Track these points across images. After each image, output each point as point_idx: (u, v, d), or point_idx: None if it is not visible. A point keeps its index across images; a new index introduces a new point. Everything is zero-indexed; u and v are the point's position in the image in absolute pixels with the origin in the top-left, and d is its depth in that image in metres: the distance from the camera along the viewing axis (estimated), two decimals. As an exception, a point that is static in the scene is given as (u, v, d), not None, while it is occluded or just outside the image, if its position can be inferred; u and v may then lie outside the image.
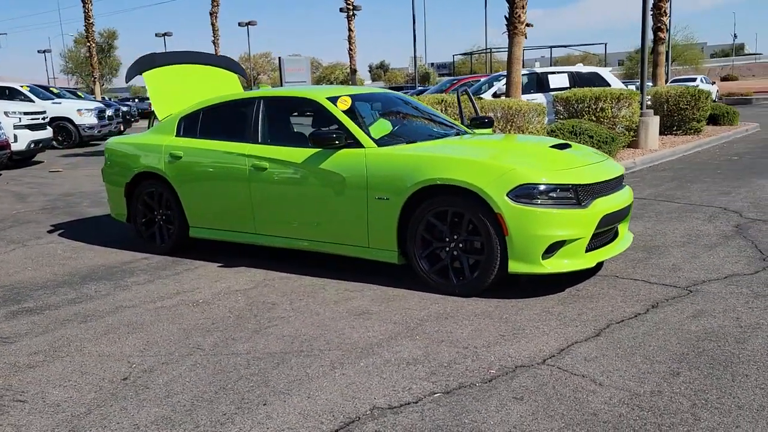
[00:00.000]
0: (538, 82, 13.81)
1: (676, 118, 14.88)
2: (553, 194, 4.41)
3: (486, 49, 30.66)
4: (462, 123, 6.35)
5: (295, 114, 6.01)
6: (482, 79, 16.17)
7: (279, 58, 20.21)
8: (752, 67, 79.12)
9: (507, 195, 4.38)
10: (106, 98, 33.59)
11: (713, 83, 37.21)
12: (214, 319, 4.38)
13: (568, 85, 13.75)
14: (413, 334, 3.96)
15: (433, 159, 4.71)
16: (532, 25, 11.20)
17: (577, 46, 35.99)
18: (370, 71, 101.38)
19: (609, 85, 13.85)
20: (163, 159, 6.02)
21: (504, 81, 13.46)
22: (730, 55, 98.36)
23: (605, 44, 30.69)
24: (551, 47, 30.47)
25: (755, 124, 18.25)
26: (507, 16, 11.25)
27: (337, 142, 5.00)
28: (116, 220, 6.80)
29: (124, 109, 25.09)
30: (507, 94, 11.57)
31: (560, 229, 4.38)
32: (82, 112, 19.22)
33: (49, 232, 7.53)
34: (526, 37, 11.21)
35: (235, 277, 5.36)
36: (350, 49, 31.04)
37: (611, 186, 4.82)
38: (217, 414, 3.07)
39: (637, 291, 4.58)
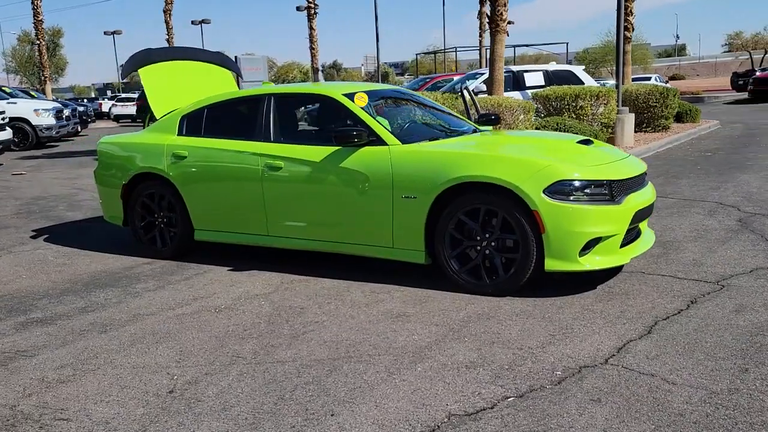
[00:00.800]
0: (515, 81, 13.84)
1: (645, 116, 15.14)
2: (588, 190, 4.36)
3: (453, 48, 30.82)
4: (470, 120, 6.26)
5: (307, 111, 5.82)
6: (455, 78, 16.16)
7: (236, 57, 19.84)
8: (696, 66, 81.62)
9: (543, 192, 4.30)
10: (56, 98, 32.50)
11: (666, 82, 38.16)
12: (244, 325, 4.19)
13: (543, 84, 13.83)
14: (460, 336, 3.85)
15: (465, 156, 4.60)
16: (513, 23, 11.21)
17: (539, 45, 36.52)
18: (322, 71, 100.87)
19: (583, 83, 13.99)
20: (166, 159, 5.76)
21: (481, 78, 13.48)
22: (672, 55, 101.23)
23: (566, 44, 31.24)
24: (514, 47, 30.72)
25: (716, 121, 18.71)
26: (489, 14, 11.26)
27: (360, 139, 4.85)
28: (111, 223, 6.49)
29: (81, 109, 24.26)
30: (489, 91, 11.56)
31: (597, 226, 4.32)
32: (39, 113, 18.50)
33: (33, 237, 7.16)
34: (507, 35, 11.22)
35: (251, 281, 5.15)
36: (312, 48, 30.71)
37: (638, 182, 4.79)
38: (285, 427, 2.90)
39: (669, 287, 4.56)
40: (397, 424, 2.87)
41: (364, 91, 5.36)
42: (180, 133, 5.86)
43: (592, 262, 4.38)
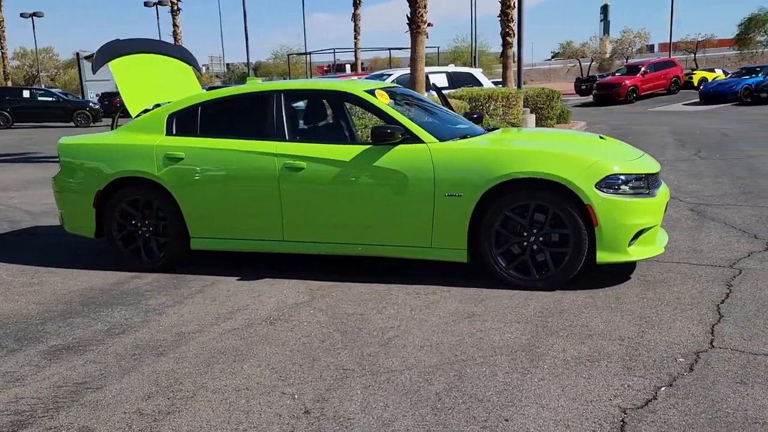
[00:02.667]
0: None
1: (537, 116, 16.02)
2: (632, 184, 4.53)
3: (330, 49, 30.61)
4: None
5: (327, 108, 5.55)
6: (356, 78, 16.12)
7: (77, 53, 18.42)
8: (530, 72, 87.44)
9: (595, 186, 4.41)
10: None
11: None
12: (316, 336, 3.92)
13: (447, 85, 14.19)
14: (550, 331, 3.85)
15: (514, 153, 4.62)
16: (432, 25, 11.39)
17: (403, 48, 37.41)
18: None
19: (482, 85, 14.53)
20: (156, 161, 5.23)
21: (389, 80, 13.59)
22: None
23: (437, 48, 32.25)
24: (390, 49, 31.16)
25: (583, 122, 20.21)
26: (409, 15, 11.33)
27: (397, 138, 4.71)
28: (75, 235, 5.79)
29: None
30: (411, 92, 11.66)
31: (642, 218, 4.51)
32: None
33: (-39, 255, 6.21)
34: (427, 37, 11.38)
35: (275, 290, 4.82)
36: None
37: (659, 178, 5.06)
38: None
39: (694, 273, 4.86)
40: (579, 422, 2.82)
41: (382, 89, 5.21)
42: (170, 133, 5.35)
43: (638, 252, 4.56)
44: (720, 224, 6.33)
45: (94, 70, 5.81)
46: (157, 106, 5.71)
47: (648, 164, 4.79)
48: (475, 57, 36.58)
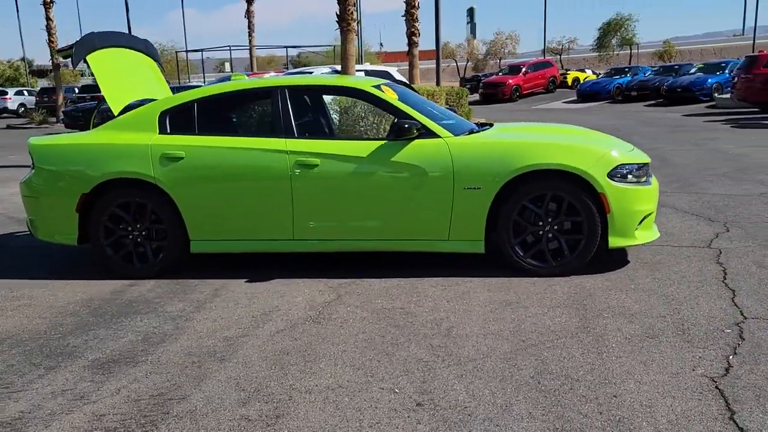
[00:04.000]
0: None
1: (446, 114, 16.48)
2: (636, 173, 4.85)
3: (226, 46, 29.46)
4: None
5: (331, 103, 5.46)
6: (268, 76, 15.82)
7: None
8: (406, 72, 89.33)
9: (607, 176, 4.69)
10: None
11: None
12: (370, 332, 3.90)
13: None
14: (594, 313, 4.05)
15: (531, 145, 4.79)
16: (360, 22, 11.44)
17: (308, 47, 37.20)
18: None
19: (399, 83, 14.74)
20: (152, 161, 4.97)
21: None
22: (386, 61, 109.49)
23: (333, 46, 32.09)
24: (287, 47, 30.67)
25: (482, 119, 20.97)
26: (338, 13, 11.33)
27: (414, 133, 4.77)
28: (48, 243, 5.37)
29: None
30: (342, 90, 11.67)
31: (646, 204, 4.85)
32: None
33: None
34: (357, 35, 11.42)
35: (297, 290, 4.74)
36: (51, 42, 27.25)
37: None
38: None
39: (680, 254, 5.25)
40: (680, 393, 3.03)
41: (384, 85, 5.25)
42: (164, 132, 5.09)
43: (642, 236, 4.89)
44: (672, 210, 6.86)
45: (74, 65, 5.40)
46: (142, 102, 5.40)
47: (642, 155, 5.14)
48: (361, 56, 36.95)
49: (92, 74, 5.77)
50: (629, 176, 4.77)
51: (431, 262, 5.15)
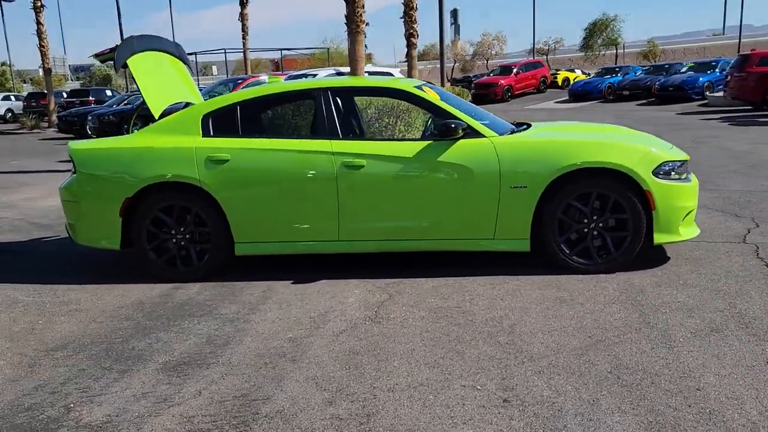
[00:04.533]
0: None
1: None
2: (677, 170, 4.92)
3: (221, 49, 29.31)
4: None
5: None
6: (264, 78, 15.83)
7: None
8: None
9: (652, 173, 4.75)
10: None
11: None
12: (437, 330, 3.93)
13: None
14: (651, 308, 4.11)
15: (576, 144, 4.84)
16: (368, 24, 11.47)
17: (301, 49, 37.23)
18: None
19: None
20: (198, 164, 4.97)
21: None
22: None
23: (327, 49, 32.19)
24: (281, 49, 30.61)
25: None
26: (347, 15, 11.35)
27: (459, 133, 4.81)
28: (93, 247, 5.36)
29: None
30: (351, 92, 11.68)
31: (688, 201, 4.92)
32: None
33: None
34: (365, 36, 11.45)
35: (346, 291, 4.75)
36: (42, 46, 27.01)
37: None
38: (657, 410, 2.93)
39: (717, 249, 5.32)
40: (763, 385, 3.09)
41: (427, 85, 5.28)
42: (207, 134, 5.09)
43: (685, 233, 4.96)
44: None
45: (117, 68, 5.38)
46: (179, 105, 5.39)
47: (682, 152, 5.21)
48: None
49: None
50: (672, 173, 4.84)
51: (470, 261, 5.18)
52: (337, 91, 5.14)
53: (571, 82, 34.41)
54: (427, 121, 5.67)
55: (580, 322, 3.93)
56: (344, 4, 11.30)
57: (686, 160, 5.03)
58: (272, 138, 5.03)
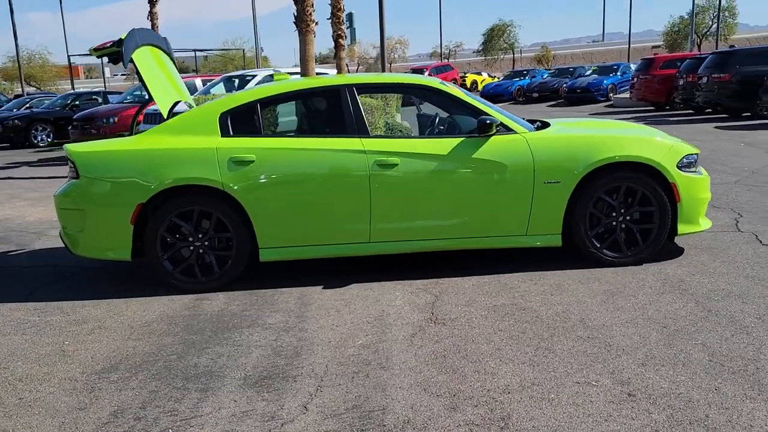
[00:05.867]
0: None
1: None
2: (695, 163, 5.11)
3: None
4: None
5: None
6: (217, 79, 15.27)
7: None
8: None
9: (676, 166, 4.91)
10: None
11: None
12: (510, 328, 3.87)
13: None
14: (704, 296, 4.22)
15: (607, 139, 4.91)
16: (317, 23, 11.24)
17: (216, 50, 35.78)
18: None
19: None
20: (219, 166, 4.67)
21: (254, 81, 13.20)
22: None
23: (242, 49, 31.22)
24: (195, 51, 29.40)
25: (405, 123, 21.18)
26: (296, 14, 11.07)
27: (493, 130, 4.78)
28: (98, 259, 4.93)
29: None
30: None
31: (706, 192, 5.11)
32: None
33: None
34: (315, 36, 11.21)
35: (387, 293, 4.61)
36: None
37: None
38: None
39: (730, 239, 5.52)
40: None
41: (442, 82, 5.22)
42: (226, 134, 4.79)
43: (704, 223, 5.14)
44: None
45: (125, 64, 4.94)
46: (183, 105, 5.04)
47: (693, 146, 5.40)
48: (258, 60, 36.45)
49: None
50: (691, 166, 5.01)
51: (493, 258, 5.16)
52: (363, 87, 4.97)
53: (479, 84, 35.36)
54: (434, 120, 5.58)
55: (645, 313, 3.97)
56: (293, 4, 11.02)
57: (698, 154, 5.22)
58: (296, 137, 4.80)
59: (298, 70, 14.12)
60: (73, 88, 39.01)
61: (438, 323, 3.99)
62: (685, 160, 4.94)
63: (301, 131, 4.84)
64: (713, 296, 4.20)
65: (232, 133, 4.78)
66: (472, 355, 3.50)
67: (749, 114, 16.95)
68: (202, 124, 4.79)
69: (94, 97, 19.97)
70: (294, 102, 5.05)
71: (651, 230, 4.94)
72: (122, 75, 71.31)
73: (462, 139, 4.80)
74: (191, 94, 13.13)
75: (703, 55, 19.60)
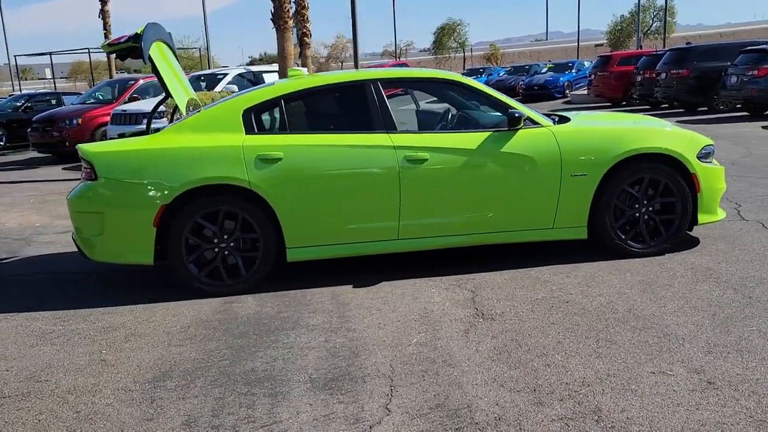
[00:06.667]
0: (256, 83, 13.53)
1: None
2: (712, 153, 5.21)
3: (84, 48, 26.49)
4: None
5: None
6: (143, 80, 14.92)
7: None
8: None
9: (696, 157, 4.99)
10: None
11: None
12: (565, 322, 3.85)
13: (280, 85, 13.85)
14: (746, 283, 4.31)
15: (631, 131, 4.96)
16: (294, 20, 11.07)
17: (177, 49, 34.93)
18: None
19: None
20: (246, 164, 4.53)
21: (226, 80, 12.99)
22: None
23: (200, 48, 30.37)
24: None
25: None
26: (273, 11, 10.88)
27: (520, 123, 4.78)
28: (116, 264, 4.72)
29: None
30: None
31: (722, 182, 5.22)
32: None
33: None
34: (292, 33, 11.05)
35: (423, 291, 4.54)
36: None
37: None
38: None
39: (741, 227, 5.61)
40: None
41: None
42: (251, 131, 4.65)
43: (720, 213, 5.25)
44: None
45: (145, 59, 4.73)
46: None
47: (707, 137, 5.50)
48: (209, 59, 36.00)
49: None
50: (708, 157, 5.10)
51: (511, 252, 5.16)
52: (388, 82, 4.89)
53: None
54: (445, 114, 5.54)
55: (689, 302, 4.02)
56: (270, 0, 10.83)
57: (714, 144, 5.33)
58: (323, 133, 4.69)
59: (255, 68, 13.94)
60: (14, 89, 37.60)
61: (486, 318, 3.95)
62: (703, 151, 5.02)
63: (326, 127, 4.72)
64: (747, 283, 4.28)
65: (256, 130, 4.65)
66: (534, 349, 3.47)
67: (706, 108, 17.51)
68: (225, 121, 4.64)
69: (47, 98, 19.24)
70: (318, 97, 4.92)
71: (673, 220, 5.00)
72: (62, 77, 68.95)
73: (489, 133, 4.77)
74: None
75: (659, 52, 20.15)
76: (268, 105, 4.71)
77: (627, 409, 2.82)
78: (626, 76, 21.58)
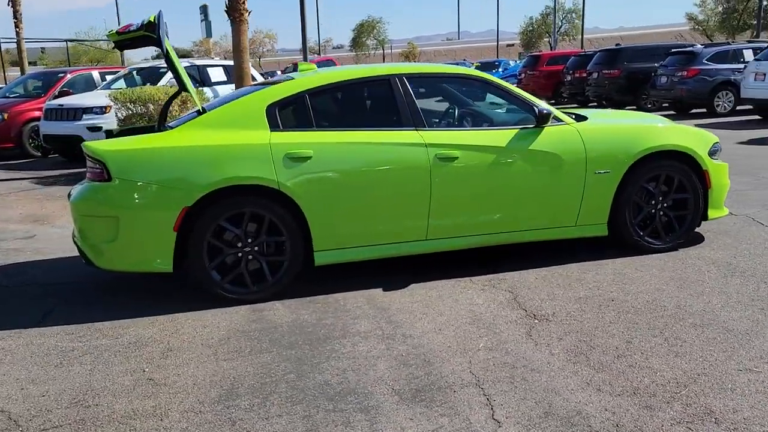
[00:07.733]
0: (201, 76, 12.97)
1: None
2: (719, 150, 5.35)
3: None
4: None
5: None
6: (121, 72, 14.01)
7: None
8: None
9: (708, 154, 5.12)
10: None
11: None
12: (618, 321, 3.83)
13: (226, 79, 13.36)
14: (766, 280, 4.44)
15: (650, 129, 5.02)
16: (251, 12, 10.65)
17: (89, 40, 32.79)
18: None
19: (256, 80, 14.07)
20: (275, 163, 4.27)
21: (169, 75, 12.40)
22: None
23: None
24: (67, 40, 26.61)
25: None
26: (228, 3, 10.45)
27: (547, 120, 4.75)
28: (129, 272, 4.35)
29: None
30: (238, 84, 10.75)
31: (728, 179, 5.37)
32: None
33: None
34: (248, 25, 10.63)
35: (460, 292, 4.42)
36: None
37: None
38: None
39: (742, 222, 5.81)
40: None
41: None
42: (276, 128, 4.39)
43: (726, 209, 5.40)
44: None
45: (163, 49, 4.33)
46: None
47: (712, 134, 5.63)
48: (122, 53, 34.63)
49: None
50: (716, 153, 5.23)
51: (530, 251, 5.14)
52: (414, 77, 4.73)
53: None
54: (451, 110, 5.44)
55: (731, 298, 4.08)
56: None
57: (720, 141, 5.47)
58: (351, 130, 4.48)
59: (200, 62, 13.43)
60: None
61: (540, 320, 3.88)
62: (713, 148, 5.14)
63: (353, 124, 4.51)
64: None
65: (281, 127, 4.38)
66: (609, 351, 3.42)
67: (635, 107, 18.24)
68: (248, 117, 4.36)
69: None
70: (344, 92, 4.70)
71: (685, 216, 5.09)
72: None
73: (517, 130, 4.71)
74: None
75: (589, 52, 20.83)
76: (294, 100, 4.46)
77: (738, 409, 2.80)
78: (555, 75, 22.24)
